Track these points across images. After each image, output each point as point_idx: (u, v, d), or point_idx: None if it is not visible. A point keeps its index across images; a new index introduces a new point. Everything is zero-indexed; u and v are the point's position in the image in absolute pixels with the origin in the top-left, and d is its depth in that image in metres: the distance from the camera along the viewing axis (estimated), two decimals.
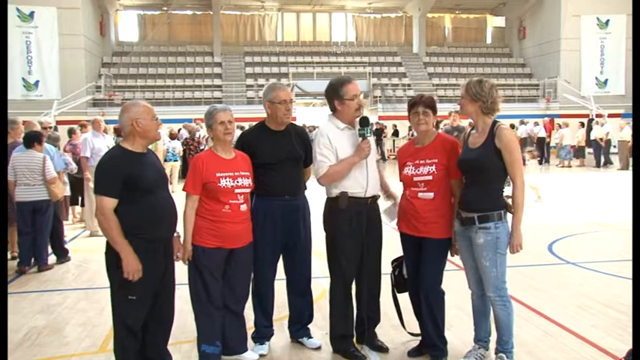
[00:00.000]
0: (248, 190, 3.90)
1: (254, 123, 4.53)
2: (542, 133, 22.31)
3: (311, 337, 4.35)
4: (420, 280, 3.98)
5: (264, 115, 4.25)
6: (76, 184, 9.40)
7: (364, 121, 3.98)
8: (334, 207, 4.00)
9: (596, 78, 29.07)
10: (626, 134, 19.32)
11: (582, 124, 21.59)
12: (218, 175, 3.75)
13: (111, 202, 3.34)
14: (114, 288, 3.48)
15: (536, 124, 22.23)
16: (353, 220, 3.96)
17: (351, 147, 3.98)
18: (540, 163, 19.53)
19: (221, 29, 32.64)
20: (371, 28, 36.08)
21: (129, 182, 3.36)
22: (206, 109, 3.91)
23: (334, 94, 4.01)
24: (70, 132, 10.45)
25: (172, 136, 15.06)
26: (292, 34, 35.72)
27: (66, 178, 8.31)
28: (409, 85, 30.11)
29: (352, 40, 35.49)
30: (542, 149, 21.36)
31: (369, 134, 3.96)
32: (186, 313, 3.94)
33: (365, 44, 34.81)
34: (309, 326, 4.41)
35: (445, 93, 28.23)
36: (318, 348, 4.27)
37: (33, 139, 6.92)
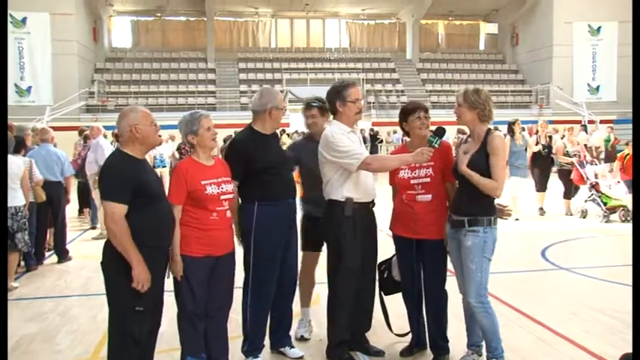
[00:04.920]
0: (232, 196, 3.82)
1: None
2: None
3: (293, 347, 4.30)
4: (418, 281, 4.11)
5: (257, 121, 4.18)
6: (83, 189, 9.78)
7: (440, 131, 3.83)
8: (338, 213, 3.96)
9: (588, 84, 29.28)
10: (596, 140, 19.40)
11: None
12: (203, 182, 3.66)
13: (122, 209, 3.22)
14: (120, 299, 3.31)
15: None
16: (357, 225, 3.98)
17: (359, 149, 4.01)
18: None
19: (215, 35, 32.65)
20: (364, 34, 36.24)
21: (138, 188, 3.27)
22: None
23: (337, 96, 4.02)
24: (85, 137, 10.42)
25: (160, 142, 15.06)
26: (286, 40, 35.82)
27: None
28: (402, 91, 30.21)
29: (346, 47, 35.62)
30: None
31: (436, 144, 3.78)
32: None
33: (358, 50, 34.91)
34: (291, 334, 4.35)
35: (439, 99, 28.31)
36: (300, 358, 4.21)
37: (20, 145, 7.06)
